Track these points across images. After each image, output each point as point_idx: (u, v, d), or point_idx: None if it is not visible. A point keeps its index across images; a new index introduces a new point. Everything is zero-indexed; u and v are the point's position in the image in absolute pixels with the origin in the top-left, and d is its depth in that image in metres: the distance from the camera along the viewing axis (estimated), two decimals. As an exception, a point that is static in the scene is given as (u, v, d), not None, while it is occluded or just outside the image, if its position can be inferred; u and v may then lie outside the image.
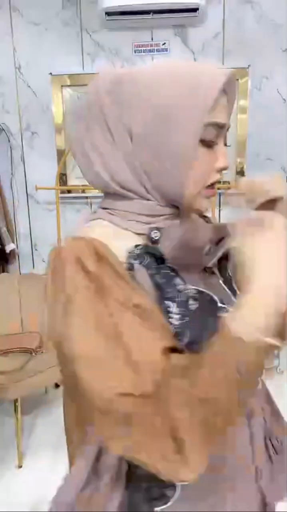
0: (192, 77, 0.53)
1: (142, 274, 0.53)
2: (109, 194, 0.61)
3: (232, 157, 2.61)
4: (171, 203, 0.60)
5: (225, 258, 0.62)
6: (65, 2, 2.53)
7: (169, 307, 0.53)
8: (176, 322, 0.53)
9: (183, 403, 0.44)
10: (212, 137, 0.55)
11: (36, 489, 1.71)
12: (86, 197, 2.75)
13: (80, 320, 0.49)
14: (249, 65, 2.49)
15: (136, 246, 0.55)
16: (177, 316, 0.53)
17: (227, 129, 0.59)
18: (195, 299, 0.55)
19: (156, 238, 0.57)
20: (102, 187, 0.60)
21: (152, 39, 2.55)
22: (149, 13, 2.34)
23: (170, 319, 0.52)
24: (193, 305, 0.54)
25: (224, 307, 0.56)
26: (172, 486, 0.54)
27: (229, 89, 0.56)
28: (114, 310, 0.49)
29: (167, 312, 0.53)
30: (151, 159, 0.55)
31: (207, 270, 0.61)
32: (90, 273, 0.50)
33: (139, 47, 2.55)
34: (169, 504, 0.55)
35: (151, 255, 0.55)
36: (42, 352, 1.99)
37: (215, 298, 0.57)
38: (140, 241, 0.57)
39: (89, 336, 0.48)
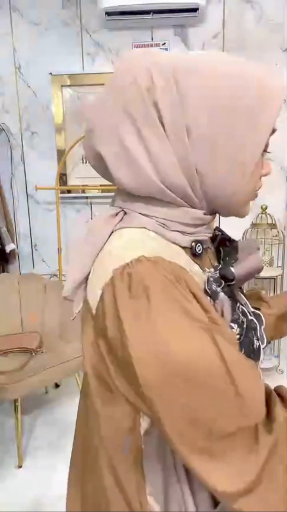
0: (264, 78, 0.50)
1: (226, 303, 0.51)
2: (141, 197, 0.53)
3: (232, 157, 2.61)
4: (215, 210, 0.56)
5: None
6: (65, 2, 2.53)
7: (233, 328, 0.52)
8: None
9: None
10: (268, 144, 0.53)
11: (36, 489, 1.71)
12: (86, 197, 2.75)
13: (192, 350, 0.44)
14: (249, 65, 2.49)
15: (215, 268, 0.53)
16: (237, 336, 0.52)
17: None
18: (244, 316, 0.55)
19: (200, 252, 0.54)
20: (142, 188, 0.51)
21: (152, 39, 2.55)
22: (149, 13, 2.34)
23: None
24: (244, 323, 0.54)
25: (252, 319, 0.57)
26: None
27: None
28: (225, 348, 0.45)
29: None
30: (211, 162, 0.50)
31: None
32: (180, 302, 0.46)
33: (139, 47, 2.55)
34: (217, 509, 0.55)
35: (223, 277, 0.53)
36: (42, 352, 1.99)
37: (246, 310, 0.57)
38: (184, 254, 0.53)
39: (204, 365, 0.44)
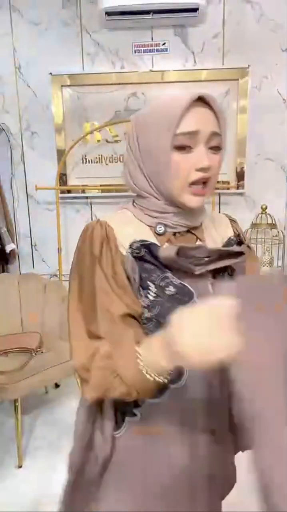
0: (162, 105, 0.72)
1: (130, 262, 0.72)
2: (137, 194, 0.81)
3: (232, 157, 2.61)
4: (169, 200, 0.75)
5: (225, 268, 0.77)
6: (65, 2, 2.54)
7: (149, 286, 0.72)
8: (151, 298, 0.72)
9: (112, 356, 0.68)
10: (184, 143, 0.69)
11: (36, 489, 1.71)
12: (86, 197, 2.75)
13: (77, 281, 0.74)
14: (249, 65, 2.49)
15: (140, 240, 0.73)
16: (153, 294, 0.72)
17: (213, 134, 0.70)
18: (175, 288, 0.72)
19: (161, 231, 0.76)
20: (130, 189, 0.81)
21: (152, 39, 2.55)
22: (149, 13, 2.34)
23: (147, 294, 0.72)
24: (170, 291, 0.71)
25: (195, 301, 0.71)
26: (130, 413, 0.77)
27: (208, 100, 0.69)
28: (100, 277, 0.71)
29: (147, 289, 0.72)
30: (148, 166, 0.74)
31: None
32: (93, 249, 0.72)
33: (139, 47, 2.55)
34: (122, 430, 0.78)
35: (148, 250, 0.72)
36: (42, 352, 1.99)
37: (193, 292, 0.72)
38: (149, 231, 0.76)
39: (81, 291, 0.73)
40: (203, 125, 0.69)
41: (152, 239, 0.74)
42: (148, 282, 0.72)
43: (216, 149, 0.72)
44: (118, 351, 0.67)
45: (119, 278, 0.71)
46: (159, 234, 0.75)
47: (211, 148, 0.71)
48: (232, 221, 0.88)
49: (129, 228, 0.75)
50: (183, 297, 0.71)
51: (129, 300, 0.71)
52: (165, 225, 0.75)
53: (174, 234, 0.77)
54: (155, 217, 0.76)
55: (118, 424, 0.78)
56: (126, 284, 0.72)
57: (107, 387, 0.68)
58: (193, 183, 0.71)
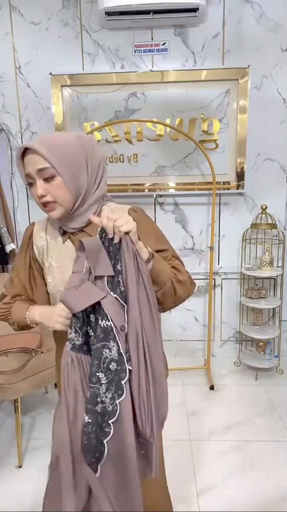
0: None
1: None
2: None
3: (232, 157, 2.61)
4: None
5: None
6: (65, 2, 2.54)
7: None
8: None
9: None
10: (29, 181, 0.96)
11: (36, 489, 1.71)
12: (86, 197, 2.75)
13: None
14: (249, 65, 2.49)
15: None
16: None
17: (40, 170, 0.91)
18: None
19: (61, 232, 1.10)
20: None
21: (152, 39, 2.55)
22: (149, 13, 2.34)
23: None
24: None
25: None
26: None
27: (31, 147, 0.90)
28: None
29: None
30: None
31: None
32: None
33: (139, 47, 2.55)
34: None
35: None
36: (42, 352, 1.99)
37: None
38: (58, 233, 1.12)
39: None
40: (30, 167, 0.92)
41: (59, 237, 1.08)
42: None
43: (49, 179, 0.92)
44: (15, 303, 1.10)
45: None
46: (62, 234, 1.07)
47: (45, 179, 0.92)
48: (132, 210, 1.04)
49: (45, 233, 1.14)
50: None
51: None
52: (62, 229, 1.06)
53: (72, 233, 1.04)
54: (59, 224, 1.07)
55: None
56: None
57: (5, 317, 1.12)
58: (43, 205, 0.98)
